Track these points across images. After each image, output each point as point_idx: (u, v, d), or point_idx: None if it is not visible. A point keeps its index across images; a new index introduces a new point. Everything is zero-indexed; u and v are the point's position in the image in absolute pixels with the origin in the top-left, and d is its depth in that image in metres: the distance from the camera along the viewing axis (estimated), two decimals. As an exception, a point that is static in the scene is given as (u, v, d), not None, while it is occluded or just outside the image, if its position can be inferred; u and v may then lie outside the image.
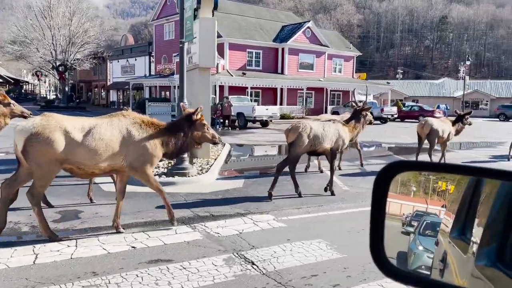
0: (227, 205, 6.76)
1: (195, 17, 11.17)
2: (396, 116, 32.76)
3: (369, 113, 8.61)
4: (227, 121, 23.42)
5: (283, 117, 32.13)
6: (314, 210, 6.69)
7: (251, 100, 32.34)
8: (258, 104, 31.69)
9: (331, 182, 7.60)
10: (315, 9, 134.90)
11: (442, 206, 1.29)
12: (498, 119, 40.32)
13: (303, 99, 35.66)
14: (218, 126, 22.28)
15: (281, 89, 34.48)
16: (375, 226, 1.11)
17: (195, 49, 11.16)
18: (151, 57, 40.23)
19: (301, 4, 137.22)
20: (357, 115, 8.26)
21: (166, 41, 37.77)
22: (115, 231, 5.19)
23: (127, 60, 43.54)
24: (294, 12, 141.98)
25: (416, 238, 1.29)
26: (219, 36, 32.55)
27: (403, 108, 36.27)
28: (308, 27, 36.33)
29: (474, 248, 1.12)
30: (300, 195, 7.36)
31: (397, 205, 1.22)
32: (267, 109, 24.25)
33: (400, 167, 1.15)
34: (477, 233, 1.14)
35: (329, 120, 7.79)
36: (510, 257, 1.00)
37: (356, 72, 44.59)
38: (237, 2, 42.71)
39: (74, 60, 40.30)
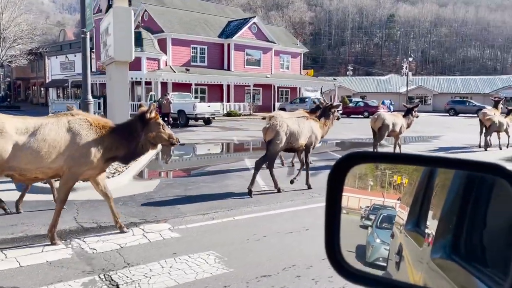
0: (124, 213, 6.02)
1: (110, 6, 10.31)
2: (341, 112, 33.01)
3: (337, 110, 8.68)
4: (166, 118, 22.46)
5: (229, 114, 31.55)
6: (221, 215, 6.10)
7: (196, 97, 31.52)
8: (202, 101, 30.95)
9: (307, 177, 7.70)
10: (267, 6, 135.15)
11: (398, 199, 1.30)
12: (448, 114, 41.58)
13: (250, 95, 35.15)
14: (156, 124, 21.31)
15: (228, 85, 33.83)
16: (330, 222, 1.08)
17: (110, 41, 10.30)
18: (92, 53, 38.22)
19: (253, 1, 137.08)
20: (326, 112, 8.27)
21: (107, 36, 36.03)
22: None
23: (66, 56, 41.28)
24: (246, 9, 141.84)
25: (374, 231, 1.29)
26: (161, 31, 31.51)
27: (349, 104, 36.66)
28: (254, 23, 35.86)
29: (429, 240, 1.12)
30: (279, 191, 7.40)
31: (356, 199, 1.21)
32: (209, 106, 23.50)
33: (357, 159, 1.11)
34: (431, 225, 1.15)
35: (302, 117, 7.74)
36: (465, 249, 1.01)
37: (304, 69, 44.73)
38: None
39: (7, 56, 37.65)
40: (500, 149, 13.77)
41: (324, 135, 8.42)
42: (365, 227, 1.30)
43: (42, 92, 48.18)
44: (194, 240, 5.01)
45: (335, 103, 8.58)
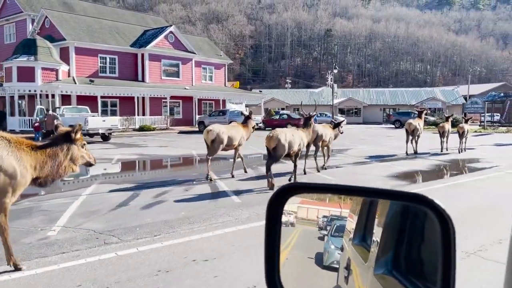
0: None
1: None
2: (260, 124, 31.77)
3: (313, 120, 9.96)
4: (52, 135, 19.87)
5: (142, 129, 29.28)
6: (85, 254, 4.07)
7: (104, 111, 29.01)
8: (113, 115, 28.49)
9: (295, 175, 9.42)
10: (207, 19, 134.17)
11: (350, 211, 1.34)
12: (394, 126, 39.86)
13: (168, 108, 33.01)
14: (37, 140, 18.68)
15: (143, 98, 31.57)
16: (270, 254, 1.10)
17: None
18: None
19: (192, 13, 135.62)
20: (307, 122, 9.68)
21: (7, 44, 32.57)
22: None
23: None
24: (185, 21, 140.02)
25: (329, 239, 1.33)
26: (62, 39, 28.75)
27: (272, 117, 35.56)
28: (171, 32, 33.96)
29: (373, 256, 1.15)
30: (272, 188, 8.48)
31: (314, 211, 1.28)
32: (104, 121, 21.10)
33: (292, 190, 1.16)
34: (375, 241, 1.18)
35: (295, 128, 9.80)
36: (405, 266, 1.03)
37: (230, 81, 43.37)
38: (103, 5, 39.06)
39: None
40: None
41: (310, 141, 10.06)
42: (322, 237, 1.33)
43: None
44: None
45: (313, 114, 9.84)
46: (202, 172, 11.48)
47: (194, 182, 9.83)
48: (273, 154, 8.65)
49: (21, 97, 27.70)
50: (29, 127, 24.99)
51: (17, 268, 4.27)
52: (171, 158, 15.76)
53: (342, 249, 1.35)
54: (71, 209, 6.99)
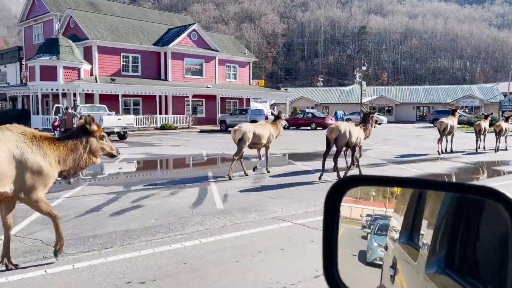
0: None
1: None
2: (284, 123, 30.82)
3: (374, 116, 10.65)
4: (69, 134, 19.88)
5: (163, 127, 29.07)
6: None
7: (126, 109, 29.03)
8: (136, 114, 28.48)
9: (359, 169, 9.96)
10: (240, 18, 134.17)
11: (394, 210, 1.34)
12: (432, 125, 37.85)
13: (190, 107, 32.67)
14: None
15: (166, 96, 31.37)
16: (327, 244, 1.11)
17: None
18: (22, 64, 35.40)
19: (225, 13, 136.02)
20: (366, 118, 10.16)
21: (35, 44, 33.24)
22: None
23: (-3, 67, 38.28)
24: (218, 21, 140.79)
25: (372, 237, 1.34)
26: (85, 38, 28.95)
27: (296, 116, 34.52)
28: (194, 30, 33.61)
29: (424, 254, 1.13)
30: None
31: (358, 210, 1.28)
32: (119, 119, 20.89)
33: (351, 182, 1.16)
34: (425, 239, 1.16)
35: (355, 124, 10.04)
36: (459, 264, 1.02)
37: (257, 79, 42.70)
38: (134, 5, 39.36)
39: None
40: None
41: (366, 137, 10.27)
42: (366, 236, 1.33)
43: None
44: None
45: (372, 111, 10.85)
46: (201, 174, 10.90)
47: (186, 185, 9.20)
48: (336, 144, 9.34)
49: (46, 95, 28.09)
50: (45, 125, 25.25)
51: (56, 255, 4.43)
52: (176, 158, 15.24)
53: (386, 248, 1.35)
54: (35, 215, 6.48)
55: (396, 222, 1.31)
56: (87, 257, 4.64)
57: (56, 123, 19.72)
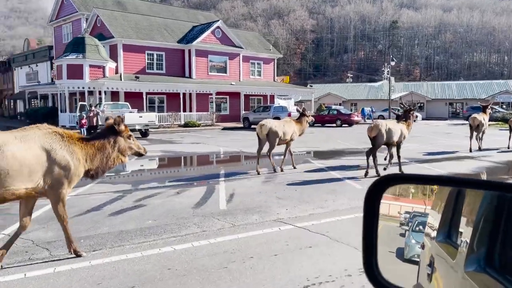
0: None
1: None
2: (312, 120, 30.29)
3: (414, 113, 10.48)
4: (93, 131, 20.12)
5: (186, 125, 29.17)
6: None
7: (151, 107, 29.31)
8: (161, 112, 28.74)
9: (399, 167, 9.86)
10: (268, 15, 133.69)
11: (431, 208, 1.34)
12: (467, 122, 35.88)
13: (214, 104, 32.62)
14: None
15: (190, 94, 31.45)
16: (367, 241, 1.13)
17: None
18: (52, 63, 36.29)
19: (254, 10, 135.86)
20: (406, 115, 10.10)
21: (65, 44, 33.99)
22: None
23: (29, 66, 39.35)
24: (247, 18, 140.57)
25: (410, 234, 1.35)
26: (111, 36, 29.33)
27: (321, 112, 33.88)
28: (218, 27, 33.50)
29: (463, 253, 1.13)
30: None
31: (396, 207, 1.29)
32: (141, 117, 21.03)
33: (391, 181, 1.18)
34: (464, 237, 1.16)
35: (396, 121, 10.01)
36: (499, 262, 1.02)
37: (283, 75, 42.26)
38: (162, 4, 39.69)
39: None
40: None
41: (408, 133, 10.17)
42: (404, 233, 1.34)
43: (12, 104, 46.47)
44: None
45: (412, 107, 10.48)
46: (213, 172, 10.73)
47: (195, 183, 9.02)
48: (374, 142, 9.33)
49: (73, 93, 28.67)
50: (71, 123, 25.66)
51: (77, 255, 4.44)
52: (193, 156, 15.12)
53: (423, 246, 1.35)
54: (37, 213, 6.42)
55: (433, 220, 1.31)
56: (72, 260, 4.48)
57: (83, 121, 20.00)
